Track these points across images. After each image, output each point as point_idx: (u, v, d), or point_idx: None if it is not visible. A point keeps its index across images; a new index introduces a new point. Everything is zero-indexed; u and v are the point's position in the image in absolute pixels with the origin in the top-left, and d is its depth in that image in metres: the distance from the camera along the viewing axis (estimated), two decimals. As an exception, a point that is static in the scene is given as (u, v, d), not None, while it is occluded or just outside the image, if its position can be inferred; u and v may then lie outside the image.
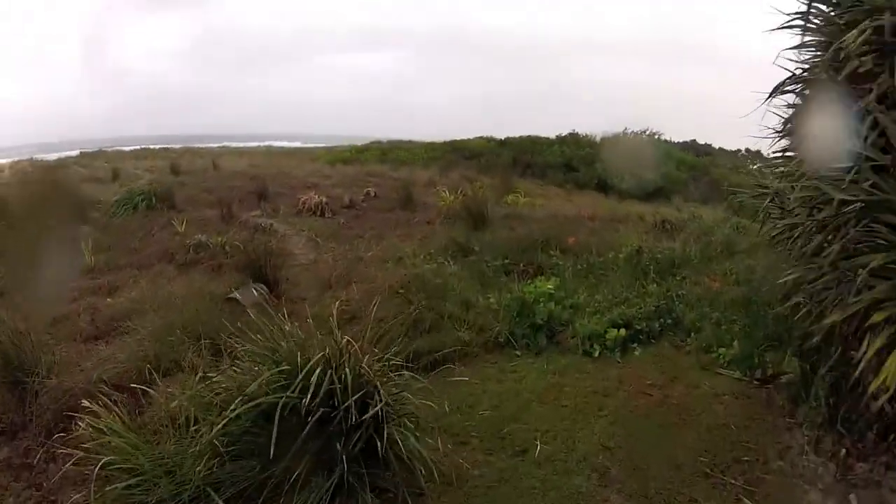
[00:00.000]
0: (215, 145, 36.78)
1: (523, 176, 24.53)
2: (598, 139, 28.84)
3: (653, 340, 5.84)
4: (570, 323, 5.95)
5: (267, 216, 13.08)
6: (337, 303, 5.18)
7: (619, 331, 5.66)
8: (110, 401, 4.00)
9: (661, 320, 5.97)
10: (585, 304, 6.28)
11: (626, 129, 27.86)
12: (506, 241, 8.98)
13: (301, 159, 29.41)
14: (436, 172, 21.98)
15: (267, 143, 37.86)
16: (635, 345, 5.72)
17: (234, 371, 3.97)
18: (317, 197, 13.64)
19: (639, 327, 5.83)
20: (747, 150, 28.24)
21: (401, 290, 6.18)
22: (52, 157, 30.15)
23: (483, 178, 20.40)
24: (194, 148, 34.27)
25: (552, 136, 29.61)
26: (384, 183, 18.55)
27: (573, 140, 29.22)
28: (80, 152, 31.94)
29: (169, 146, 35.50)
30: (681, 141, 33.48)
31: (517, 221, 11.46)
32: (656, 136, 29.72)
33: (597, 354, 5.57)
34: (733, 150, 30.98)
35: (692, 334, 5.76)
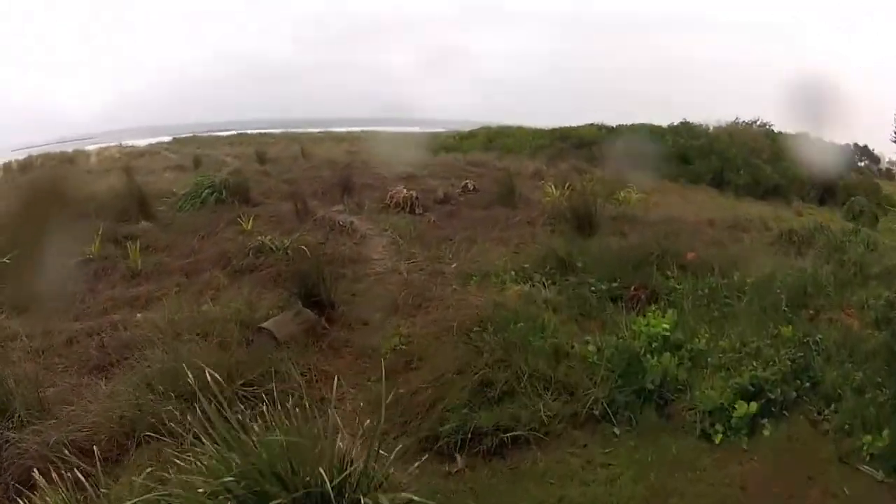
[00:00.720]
0: (317, 130, 36.63)
1: (636, 168, 23.14)
2: (710, 129, 26.92)
3: (786, 413, 4.93)
4: (688, 387, 4.93)
5: (349, 212, 12.24)
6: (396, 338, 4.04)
7: (748, 405, 4.75)
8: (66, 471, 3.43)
9: (798, 382, 5.11)
10: (707, 353, 5.31)
11: (736, 118, 26.59)
12: (615, 253, 7.93)
13: (403, 146, 28.76)
14: (543, 162, 20.87)
15: (372, 129, 37.37)
16: (765, 421, 4.81)
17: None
18: (405, 191, 12.62)
19: (771, 395, 4.93)
20: (856, 145, 26.61)
21: (475, 331, 4.96)
22: (143, 142, 31.23)
23: (594, 169, 19.80)
24: (294, 133, 34.33)
25: (664, 123, 27.71)
26: (486, 174, 17.45)
27: (686, 129, 27.23)
28: (174, 138, 32.70)
29: (267, 131, 35.82)
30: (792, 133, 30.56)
31: (629, 225, 10.63)
32: (768, 127, 27.33)
33: (718, 440, 4.63)
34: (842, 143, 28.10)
35: (831, 404, 4.91)
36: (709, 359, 5.18)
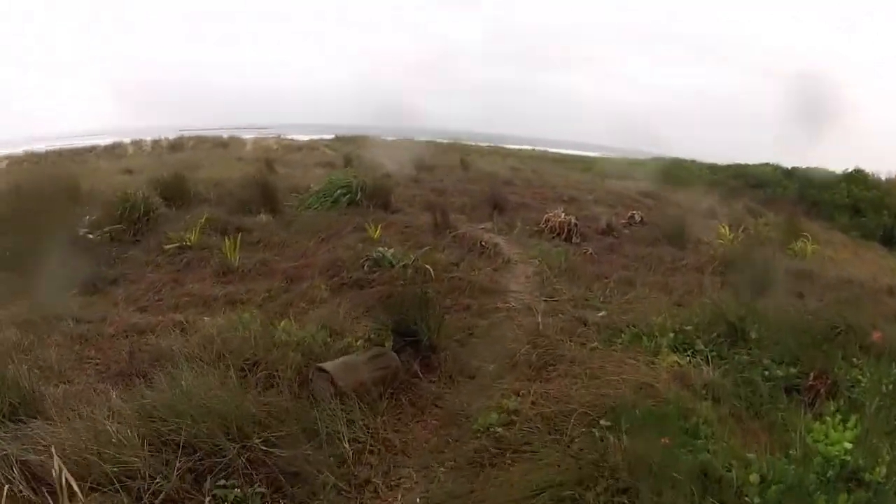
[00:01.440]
0: (485, 144, 36.26)
1: (808, 215, 21.54)
2: (884, 179, 26.07)
3: None
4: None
5: (496, 232, 11.12)
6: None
7: None
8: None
9: None
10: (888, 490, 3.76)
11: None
12: (793, 322, 6.43)
13: (571, 168, 27.45)
14: (716, 200, 19.67)
15: (543, 148, 36.36)
16: None
17: None
18: (564, 215, 11.31)
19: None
20: None
21: (601, 424, 3.59)
22: (305, 137, 32.11)
23: (767, 212, 19.17)
24: (462, 144, 34.03)
25: (837, 170, 26.11)
26: (657, 206, 16.11)
27: (860, 178, 25.54)
28: (336, 136, 33.40)
29: (436, 140, 35.81)
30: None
31: (806, 283, 9.46)
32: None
33: None
34: None
35: None
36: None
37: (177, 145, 30.87)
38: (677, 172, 26.73)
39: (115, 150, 31.05)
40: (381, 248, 8.66)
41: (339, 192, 11.84)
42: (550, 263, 9.22)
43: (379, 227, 9.97)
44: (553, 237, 11.09)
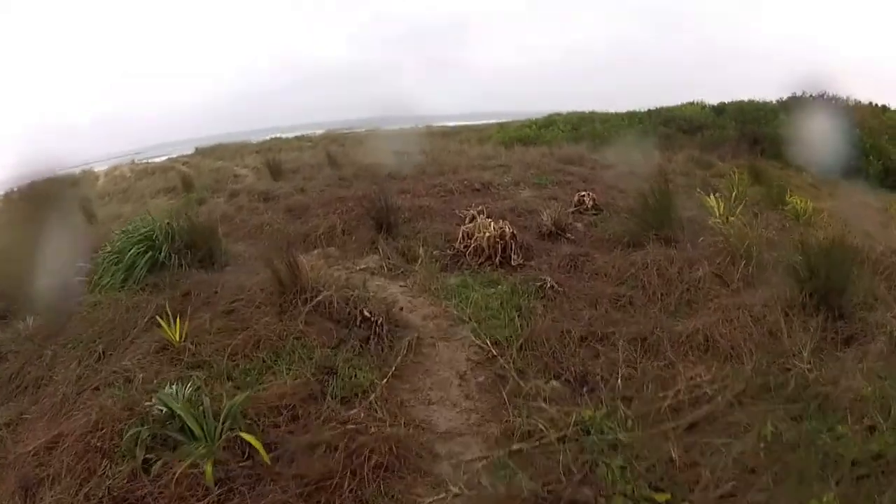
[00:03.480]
0: (362, 129, 31.42)
1: (754, 156, 18.07)
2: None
3: None
4: None
5: (389, 271, 6.60)
6: None
7: None
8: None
9: None
10: None
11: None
12: None
13: (465, 140, 22.68)
14: (656, 154, 15.41)
15: (426, 124, 31.64)
16: None
17: None
18: (492, 224, 6.80)
19: None
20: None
21: None
22: (160, 158, 26.76)
23: (717, 161, 15.44)
24: (334, 133, 29.26)
25: (770, 99, 22.40)
26: (598, 177, 11.59)
27: (796, 105, 21.28)
28: (196, 148, 28.21)
29: (305, 133, 30.90)
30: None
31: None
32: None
33: None
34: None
35: None
36: None
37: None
38: (590, 127, 22.50)
39: None
40: (170, 389, 4.07)
41: (133, 251, 6.96)
42: (494, 335, 4.77)
43: (187, 314, 5.31)
44: (481, 262, 6.61)
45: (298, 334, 5.07)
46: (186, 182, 13.89)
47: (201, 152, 26.69)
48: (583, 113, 25.52)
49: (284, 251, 6.99)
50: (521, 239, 6.95)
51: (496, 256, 6.65)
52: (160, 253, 6.91)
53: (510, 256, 6.67)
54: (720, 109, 23.48)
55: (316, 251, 7.59)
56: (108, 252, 7.23)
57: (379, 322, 5.10)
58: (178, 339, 5.11)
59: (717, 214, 7.11)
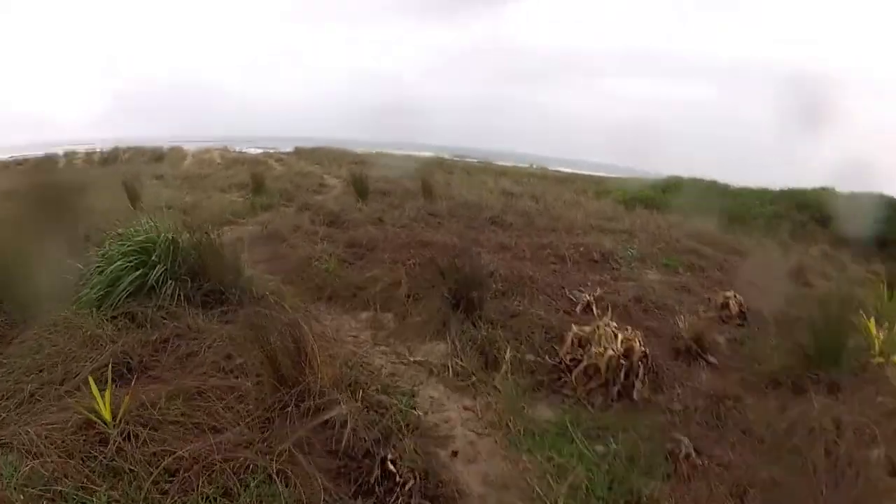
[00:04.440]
0: (474, 160, 29.91)
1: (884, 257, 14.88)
2: None
3: None
4: None
5: (454, 376, 4.61)
6: None
7: None
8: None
9: None
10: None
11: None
12: None
13: (581, 191, 20.54)
14: (791, 244, 13.43)
15: (542, 166, 29.67)
16: None
17: None
18: (619, 339, 4.61)
19: None
20: None
21: None
22: (255, 150, 25.95)
23: (846, 259, 12.90)
24: (443, 159, 27.83)
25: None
26: (733, 266, 9.16)
27: None
28: (295, 148, 27.36)
29: (416, 153, 29.58)
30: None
31: None
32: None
33: None
34: None
35: None
36: None
37: (111, 157, 24.78)
38: (719, 201, 20.07)
39: (44, 163, 25.29)
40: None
41: (119, 263, 5.20)
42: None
43: (141, 377, 3.63)
44: (591, 389, 4.48)
45: (276, 471, 3.12)
46: (258, 182, 12.29)
47: (300, 152, 25.75)
48: (706, 181, 23.39)
49: (311, 310, 5.15)
50: (653, 351, 4.80)
51: (614, 384, 4.52)
52: (152, 274, 5.15)
53: (633, 384, 4.54)
54: (852, 198, 20.45)
55: (365, 314, 5.66)
56: (102, 255, 5.53)
57: (408, 487, 3.07)
58: (108, 417, 3.38)
59: (876, 349, 5.04)
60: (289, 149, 27.59)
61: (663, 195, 20.92)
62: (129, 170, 18.44)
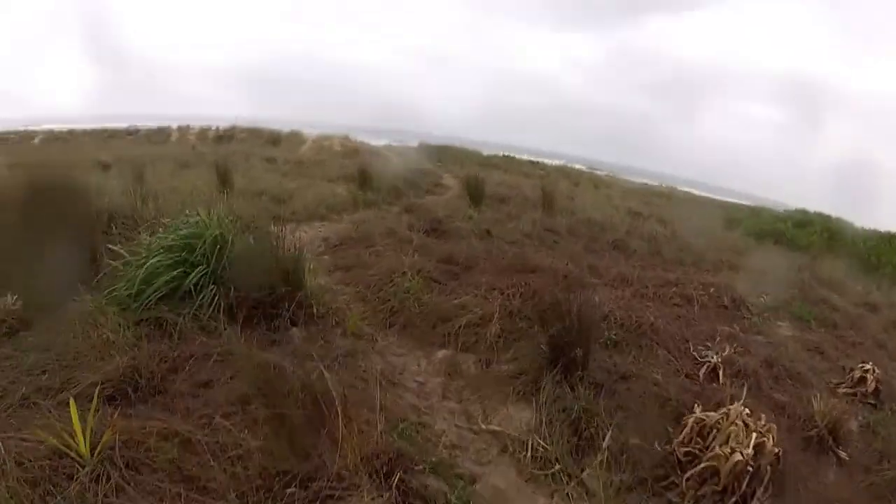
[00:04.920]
0: (602, 172, 28.64)
1: None
2: None
3: None
4: None
5: (533, 455, 3.55)
6: None
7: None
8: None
9: None
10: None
11: None
12: None
13: (712, 217, 18.84)
14: None
15: (670, 185, 27.90)
16: None
17: None
18: (752, 437, 3.43)
19: None
20: None
21: None
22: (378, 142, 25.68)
23: None
24: (570, 168, 26.81)
25: None
26: (865, 324, 7.78)
27: None
28: (420, 143, 27.05)
29: (547, 161, 28.65)
30: None
31: None
32: None
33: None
34: None
35: None
36: None
37: (225, 136, 25.14)
38: (854, 245, 18.00)
39: (155, 135, 26.11)
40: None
41: (158, 259, 4.46)
42: None
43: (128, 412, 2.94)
44: (703, 495, 3.35)
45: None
46: (364, 177, 11.55)
47: (424, 148, 25.16)
48: (834, 219, 21.19)
49: (377, 338, 4.24)
50: (780, 452, 3.60)
51: (733, 493, 3.36)
52: (191, 275, 4.38)
53: (754, 491, 3.36)
54: None
55: (441, 353, 4.67)
56: (147, 246, 4.81)
57: None
58: (84, 450, 2.80)
59: None
60: (414, 143, 27.14)
61: (794, 231, 19.10)
62: (241, 150, 18.51)
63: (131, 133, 27.07)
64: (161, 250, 4.53)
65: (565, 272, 6.49)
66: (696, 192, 28.04)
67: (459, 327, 4.88)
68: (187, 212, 5.03)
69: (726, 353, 5.18)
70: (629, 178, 28.40)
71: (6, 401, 3.36)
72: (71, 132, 26.19)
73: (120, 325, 4.00)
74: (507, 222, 9.41)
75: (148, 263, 4.41)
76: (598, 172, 28.35)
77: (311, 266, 5.34)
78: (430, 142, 27.39)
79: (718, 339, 5.54)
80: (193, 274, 4.35)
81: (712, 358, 5.07)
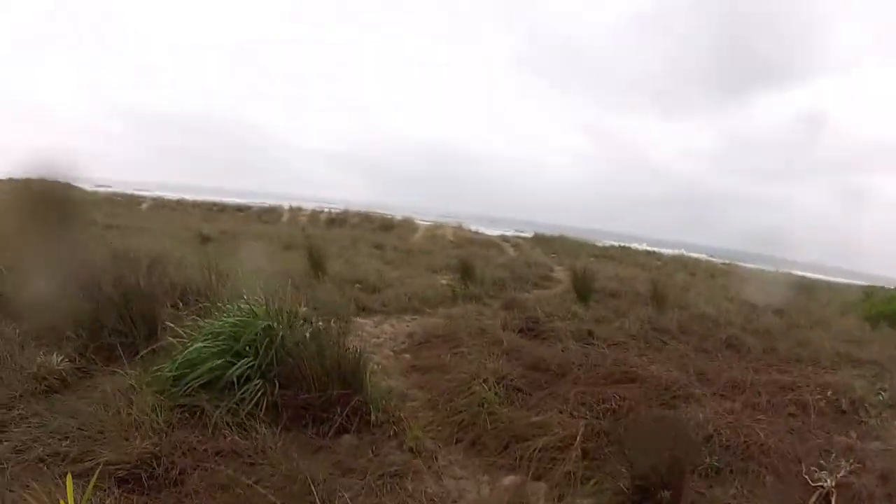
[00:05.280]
0: (720, 261, 27.70)
1: None
2: None
3: None
4: None
5: None
6: None
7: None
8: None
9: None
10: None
11: None
12: None
13: (827, 304, 17.21)
14: None
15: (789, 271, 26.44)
16: None
17: None
18: None
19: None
20: None
21: None
22: (493, 232, 25.62)
23: None
24: (692, 257, 25.99)
25: None
26: None
27: None
28: (535, 234, 26.76)
29: (656, 249, 27.95)
30: None
31: None
32: None
33: None
34: None
35: None
36: None
37: (338, 219, 25.79)
38: None
39: (267, 214, 27.24)
40: None
41: (200, 346, 4.19)
42: None
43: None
44: None
45: None
46: (466, 269, 11.15)
47: (538, 239, 24.88)
48: None
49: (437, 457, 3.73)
50: None
51: None
52: (235, 367, 4.05)
53: None
54: None
55: (509, 480, 4.00)
56: (202, 329, 4.57)
57: None
58: None
59: None
60: (529, 233, 26.98)
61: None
62: (351, 234, 18.73)
63: (242, 210, 28.30)
64: (209, 336, 4.27)
65: (669, 380, 5.76)
66: (810, 274, 26.51)
67: (535, 450, 4.22)
68: (244, 297, 4.76)
69: (841, 473, 4.31)
70: (745, 263, 27.08)
71: (22, 455, 3.41)
72: (179, 201, 27.91)
73: (154, 407, 3.80)
74: (613, 320, 8.70)
75: (192, 347, 4.17)
76: (715, 261, 27.30)
77: (376, 366, 4.92)
78: (546, 231, 27.19)
79: (834, 454, 4.65)
80: (238, 366, 4.03)
81: (825, 481, 4.23)
